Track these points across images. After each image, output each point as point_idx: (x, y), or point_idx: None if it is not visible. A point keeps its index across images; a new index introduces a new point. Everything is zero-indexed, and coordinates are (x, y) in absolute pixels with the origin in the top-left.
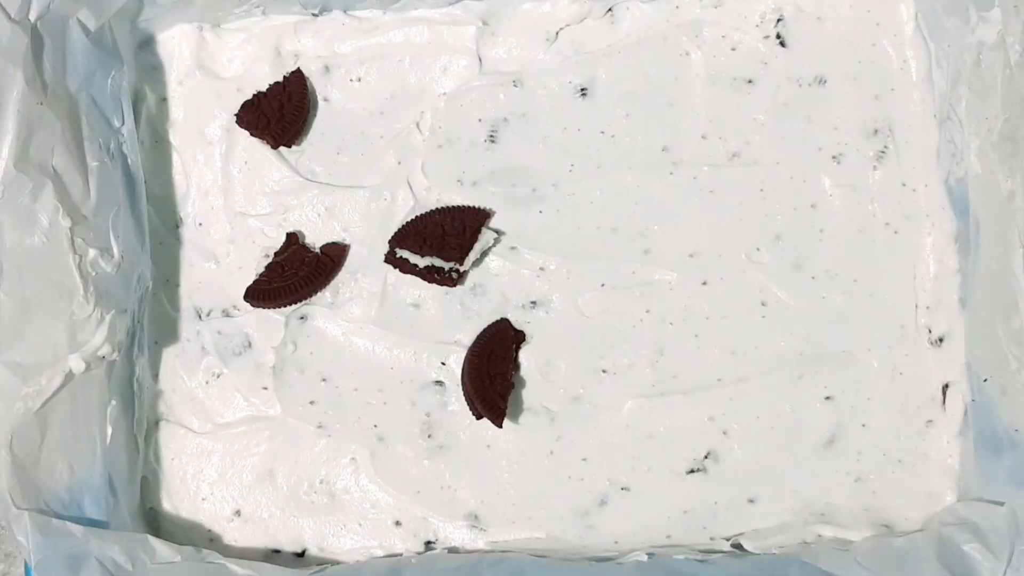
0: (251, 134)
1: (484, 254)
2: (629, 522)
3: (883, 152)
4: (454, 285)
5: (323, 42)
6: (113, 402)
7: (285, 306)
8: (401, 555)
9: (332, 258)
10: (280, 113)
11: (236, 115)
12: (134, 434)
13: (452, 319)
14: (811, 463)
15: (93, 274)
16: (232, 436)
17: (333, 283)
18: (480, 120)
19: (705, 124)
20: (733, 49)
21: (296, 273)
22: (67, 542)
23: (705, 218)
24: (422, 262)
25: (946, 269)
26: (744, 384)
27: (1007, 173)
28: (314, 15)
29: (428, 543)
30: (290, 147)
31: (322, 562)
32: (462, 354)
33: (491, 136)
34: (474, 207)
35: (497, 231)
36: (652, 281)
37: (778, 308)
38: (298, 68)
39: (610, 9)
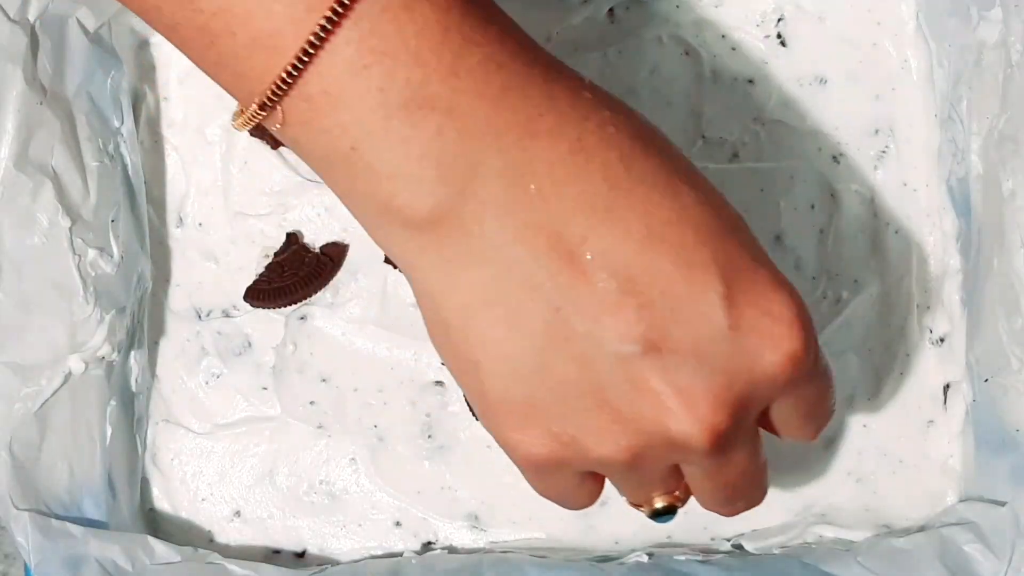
0: (251, 134)
1: None
2: (630, 522)
3: (884, 152)
4: None
5: None
6: (113, 402)
7: (285, 306)
8: (401, 555)
9: (332, 258)
10: None
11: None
12: (134, 434)
13: None
14: (812, 463)
15: (93, 274)
16: (232, 436)
17: (333, 283)
18: None
19: (705, 124)
20: (733, 49)
21: (296, 273)
22: (67, 543)
23: None
24: None
25: (947, 269)
26: None
27: (1008, 173)
28: None
29: (428, 543)
30: None
31: (322, 562)
32: None
33: None
34: None
35: None
36: None
37: None
38: None
39: (610, 9)
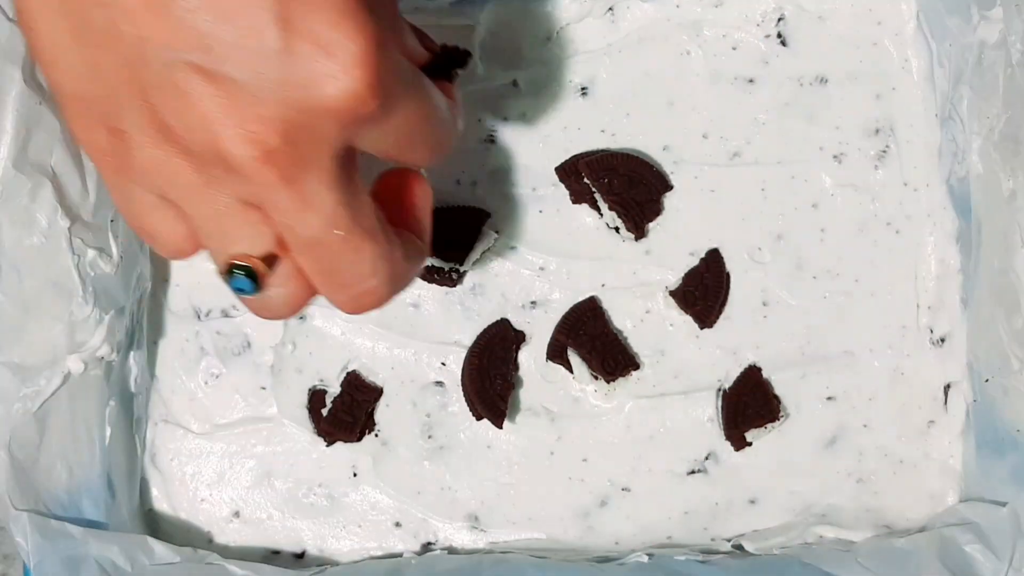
0: None
1: (484, 254)
2: (630, 523)
3: (884, 152)
4: (454, 285)
5: None
6: (112, 403)
7: None
8: (401, 556)
9: None
10: None
11: None
12: (133, 435)
13: (452, 319)
14: (812, 464)
15: (92, 274)
16: (231, 437)
17: None
18: (480, 120)
19: (706, 123)
20: (734, 48)
21: None
22: (66, 543)
23: (706, 217)
24: None
25: (948, 269)
26: None
27: (1009, 172)
28: None
29: (428, 544)
30: None
31: (322, 563)
32: (462, 354)
33: (491, 136)
34: (474, 207)
35: (497, 231)
36: (652, 281)
37: (780, 308)
38: None
39: (611, 8)
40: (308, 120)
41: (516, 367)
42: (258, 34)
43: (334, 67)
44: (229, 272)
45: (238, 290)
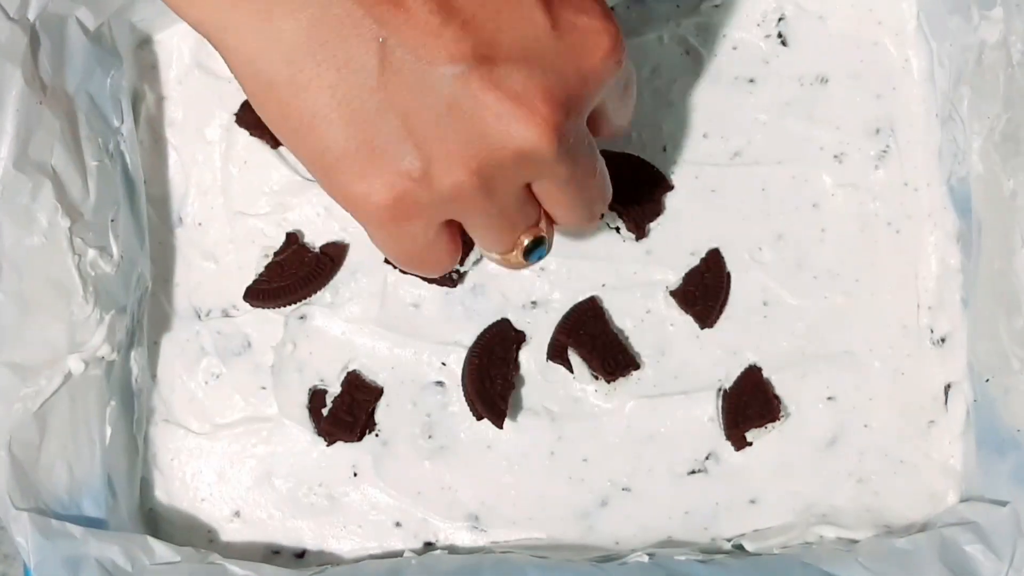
0: (251, 134)
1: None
2: (630, 523)
3: (885, 151)
4: (454, 285)
5: None
6: (112, 402)
7: (285, 306)
8: (401, 556)
9: (332, 258)
10: None
11: (236, 114)
12: (133, 435)
13: (452, 319)
14: (813, 464)
15: (92, 274)
16: (231, 437)
17: (333, 283)
18: None
19: (706, 123)
20: (734, 48)
21: (296, 273)
22: (66, 543)
23: (706, 217)
24: None
25: (948, 269)
26: None
27: (1009, 172)
28: None
29: (428, 544)
30: None
31: (322, 563)
32: (462, 354)
33: None
34: None
35: None
36: (653, 281)
37: (780, 308)
38: None
39: (611, 8)
40: (581, 86)
41: (516, 367)
42: (530, 19)
43: (596, 25)
44: (527, 252)
45: (537, 259)
